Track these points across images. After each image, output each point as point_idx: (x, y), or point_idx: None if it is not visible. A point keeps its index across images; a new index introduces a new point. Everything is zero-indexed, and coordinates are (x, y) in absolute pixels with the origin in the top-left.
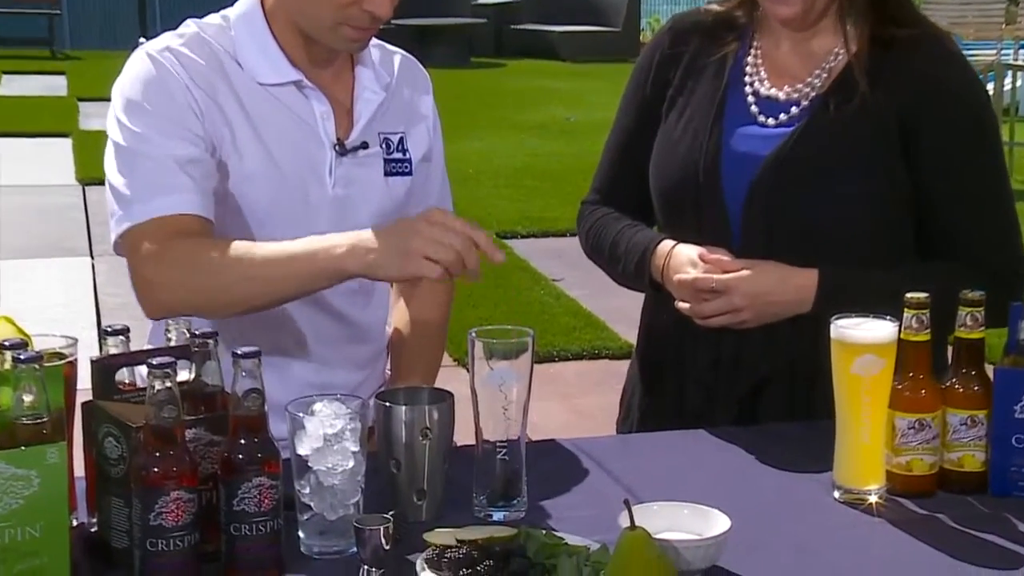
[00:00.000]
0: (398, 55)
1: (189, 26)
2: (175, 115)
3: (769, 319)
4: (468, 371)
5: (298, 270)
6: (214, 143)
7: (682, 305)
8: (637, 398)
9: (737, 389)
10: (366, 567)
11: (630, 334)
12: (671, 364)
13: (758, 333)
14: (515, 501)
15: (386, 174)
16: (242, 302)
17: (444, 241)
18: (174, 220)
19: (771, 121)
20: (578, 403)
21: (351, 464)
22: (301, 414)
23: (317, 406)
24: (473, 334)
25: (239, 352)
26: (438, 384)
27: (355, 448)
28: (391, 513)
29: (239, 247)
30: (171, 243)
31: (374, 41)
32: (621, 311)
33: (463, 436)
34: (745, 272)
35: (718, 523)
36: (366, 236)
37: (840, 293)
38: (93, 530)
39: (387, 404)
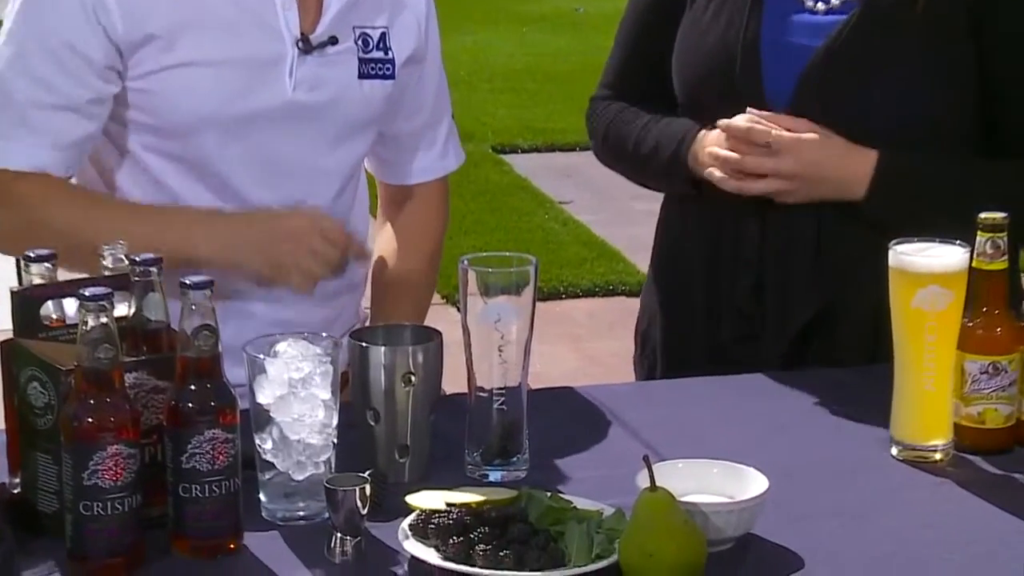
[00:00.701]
0: None
1: None
2: (65, 33)
3: (814, 197)
4: (459, 308)
5: (145, 245)
6: (131, 39)
7: (715, 174)
8: (659, 333)
9: (784, 324)
10: (339, 535)
11: None
12: (701, 289)
13: (810, 255)
14: (514, 459)
15: (361, 76)
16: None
17: (323, 254)
18: (17, 173)
19: (820, 6)
20: (589, 347)
21: (321, 414)
22: (261, 356)
23: (281, 346)
24: (465, 262)
25: (187, 281)
26: (427, 321)
27: (325, 396)
28: (368, 472)
29: (77, 212)
30: (12, 190)
31: None
32: (640, 240)
33: (453, 383)
34: (811, 135)
35: (754, 484)
36: (234, 224)
37: (899, 181)
38: (16, 491)
39: (363, 344)
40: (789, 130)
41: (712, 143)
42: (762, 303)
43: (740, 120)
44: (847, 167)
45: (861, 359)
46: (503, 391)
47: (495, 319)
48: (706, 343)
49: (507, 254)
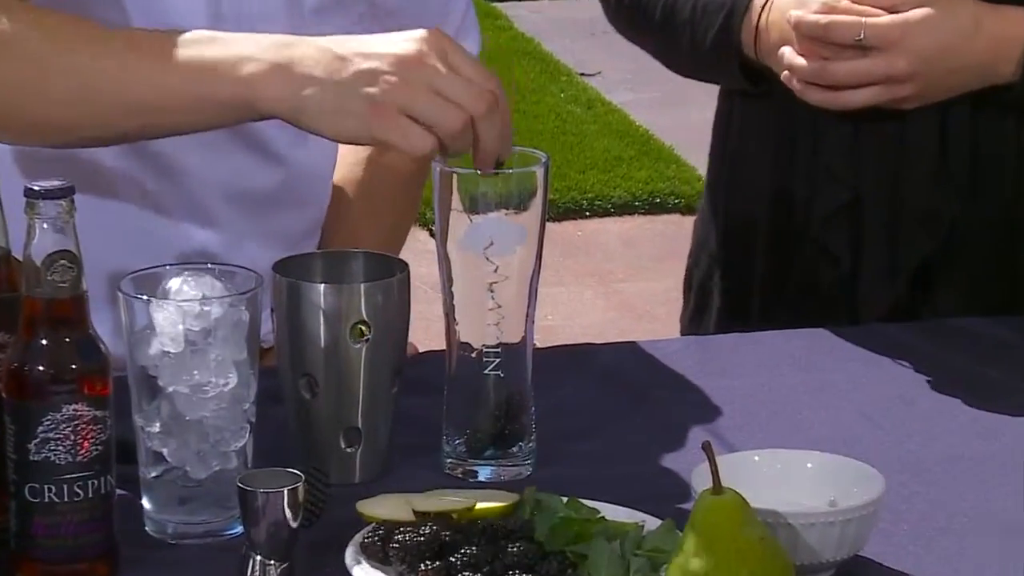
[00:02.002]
0: None
1: None
2: None
3: (942, 95)
4: (432, 231)
5: (171, 90)
6: None
7: (793, 83)
8: (716, 272)
9: (892, 263)
10: (258, 558)
11: None
12: (772, 213)
13: (931, 165)
14: (514, 448)
15: None
16: (59, 125)
17: (451, 94)
18: None
19: None
20: (625, 288)
21: (231, 382)
22: (145, 296)
23: (174, 282)
24: (440, 165)
25: (35, 188)
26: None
27: (239, 355)
28: (302, 468)
29: (79, 26)
30: None
31: None
32: (700, 130)
33: (425, 339)
34: (920, 12)
35: (864, 485)
36: (307, 50)
37: None
38: None
39: (293, 281)
40: (885, 8)
41: (781, 25)
42: (858, 234)
43: (813, 9)
44: (985, 43)
45: (1001, 306)
46: (498, 351)
47: (486, 245)
48: (781, 287)
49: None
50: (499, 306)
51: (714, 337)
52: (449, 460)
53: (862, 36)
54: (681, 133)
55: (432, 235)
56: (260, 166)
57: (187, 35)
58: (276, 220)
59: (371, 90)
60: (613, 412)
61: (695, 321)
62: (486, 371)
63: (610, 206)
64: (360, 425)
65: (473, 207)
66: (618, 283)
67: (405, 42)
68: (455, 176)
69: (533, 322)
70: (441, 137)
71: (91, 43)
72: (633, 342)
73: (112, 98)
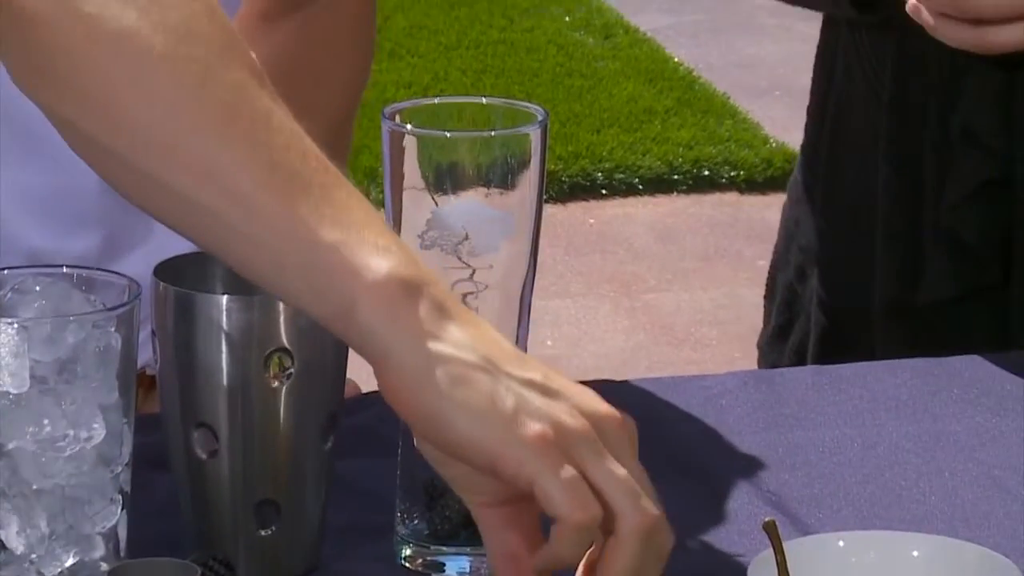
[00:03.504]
0: None
1: None
2: None
3: None
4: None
5: (265, 244)
6: None
7: (922, 15)
8: (812, 275)
9: None
10: None
11: (789, 125)
12: (893, 194)
13: None
14: None
15: None
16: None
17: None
18: None
19: None
20: (658, 302)
21: (96, 436)
22: None
23: (15, 293)
24: (395, 119)
25: None
26: None
27: (108, 398)
28: (199, 559)
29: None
30: None
31: None
32: (769, 66)
33: (372, 375)
34: None
35: None
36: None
37: None
38: None
39: (184, 291)
40: None
41: None
42: (1003, 224)
43: None
44: None
45: None
46: None
47: (458, 240)
48: (905, 296)
49: (483, 100)
50: None
51: (783, 371)
52: (406, 547)
53: None
54: (740, 74)
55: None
56: None
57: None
58: None
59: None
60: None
61: (776, 346)
62: None
63: (637, 181)
64: (279, 497)
65: (440, 184)
66: (648, 293)
67: (608, 407)
68: (413, 139)
69: (525, 350)
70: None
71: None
72: (670, 377)
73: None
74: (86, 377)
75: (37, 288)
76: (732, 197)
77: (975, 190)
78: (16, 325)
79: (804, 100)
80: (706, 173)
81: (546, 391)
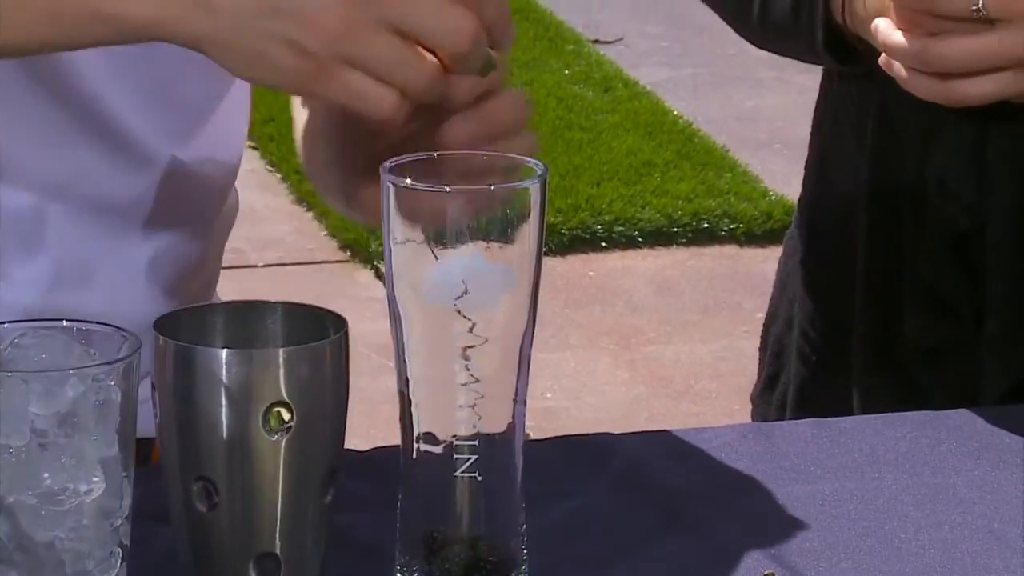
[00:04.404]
0: None
1: None
2: None
3: None
4: (378, 270)
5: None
6: None
7: (897, 70)
8: (796, 327)
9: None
10: None
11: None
12: (881, 245)
13: None
14: None
15: None
16: None
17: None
18: None
19: None
20: (658, 354)
21: (96, 489)
22: None
23: (14, 346)
24: (391, 173)
25: None
26: (312, 296)
27: (107, 451)
28: None
29: None
30: None
31: None
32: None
33: (372, 428)
34: None
35: None
36: None
37: None
38: None
39: (183, 344)
40: None
41: None
42: (979, 274)
43: None
44: None
45: None
46: (474, 443)
47: (457, 294)
48: (885, 349)
49: (483, 155)
50: (476, 380)
51: (783, 424)
52: None
53: (980, 5)
54: (739, 127)
55: (379, 277)
56: (119, 167)
57: None
58: (149, 250)
59: (299, 37)
60: (639, 530)
61: (765, 397)
62: (457, 473)
63: (637, 234)
64: (279, 550)
65: (439, 238)
66: (648, 345)
67: None
68: (413, 193)
69: (524, 403)
70: (406, 92)
71: None
72: (667, 431)
73: None
74: (86, 431)
75: (36, 341)
76: (731, 250)
77: (950, 242)
78: (16, 378)
79: (803, 152)
80: (705, 226)
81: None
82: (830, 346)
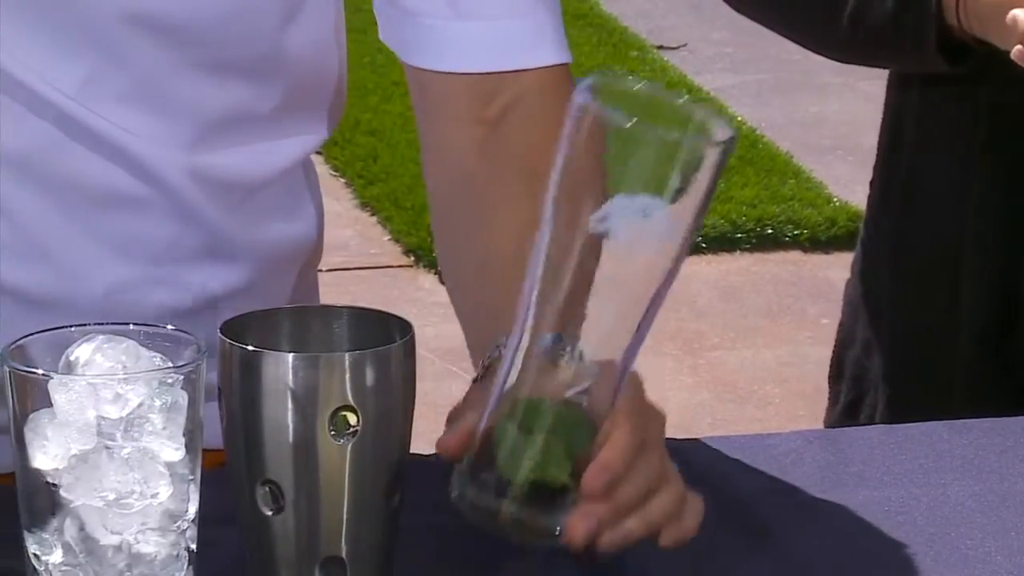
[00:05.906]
0: None
1: None
2: None
3: None
4: (441, 276)
5: None
6: None
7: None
8: (877, 357)
9: None
10: None
11: (853, 184)
12: (974, 257)
13: None
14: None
15: None
16: None
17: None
18: None
19: None
20: (722, 359)
21: (162, 493)
22: (41, 371)
23: (81, 350)
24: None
25: None
26: (376, 301)
27: (174, 455)
28: None
29: None
30: None
31: None
32: (832, 125)
33: (437, 430)
34: None
35: None
36: None
37: None
38: None
39: (248, 348)
40: None
41: None
42: None
43: None
44: None
45: None
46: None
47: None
48: (993, 377)
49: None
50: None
51: (848, 431)
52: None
53: None
54: (803, 132)
55: (441, 281)
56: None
57: None
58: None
59: None
60: (703, 536)
61: (846, 424)
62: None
63: (700, 239)
64: (344, 554)
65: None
66: (712, 351)
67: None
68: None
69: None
70: None
71: None
72: (732, 436)
73: None
74: (152, 434)
75: (104, 346)
76: (795, 255)
77: None
78: (83, 382)
79: (867, 159)
80: (769, 231)
81: None
82: (931, 364)
